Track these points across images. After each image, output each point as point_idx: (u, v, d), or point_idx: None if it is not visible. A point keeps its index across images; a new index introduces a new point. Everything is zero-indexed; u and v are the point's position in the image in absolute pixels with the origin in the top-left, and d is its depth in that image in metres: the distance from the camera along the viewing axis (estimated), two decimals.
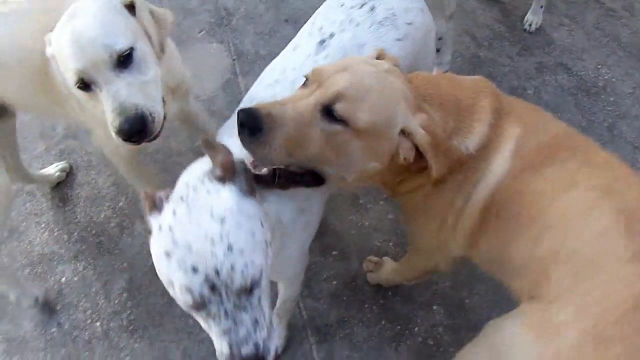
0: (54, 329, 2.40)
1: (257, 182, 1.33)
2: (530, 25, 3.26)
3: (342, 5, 1.80)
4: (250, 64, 3.17)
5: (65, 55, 1.61)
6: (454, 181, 1.45)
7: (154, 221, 1.21)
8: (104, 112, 1.64)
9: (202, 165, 1.27)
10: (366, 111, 1.31)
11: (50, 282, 2.52)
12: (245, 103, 1.62)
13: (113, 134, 1.63)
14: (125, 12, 1.69)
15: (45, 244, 2.64)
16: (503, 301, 2.24)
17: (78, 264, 2.55)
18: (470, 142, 1.45)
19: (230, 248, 1.12)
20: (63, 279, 2.52)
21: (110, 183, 2.77)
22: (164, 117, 1.72)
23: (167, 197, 1.23)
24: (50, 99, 1.94)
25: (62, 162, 2.83)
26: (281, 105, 1.32)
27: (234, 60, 3.22)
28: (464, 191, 1.47)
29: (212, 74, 3.10)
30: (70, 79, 1.64)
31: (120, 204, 2.70)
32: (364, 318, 2.28)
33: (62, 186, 2.80)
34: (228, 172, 1.21)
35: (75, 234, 2.64)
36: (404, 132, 1.35)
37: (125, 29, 1.64)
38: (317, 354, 2.21)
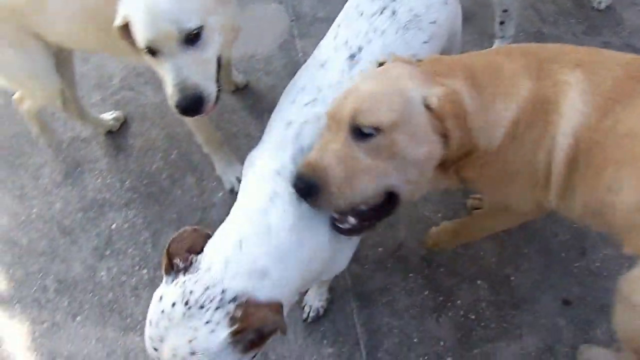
0: (102, 273, 2.47)
1: (348, 234, 1.49)
2: (600, 2, 3.13)
3: (361, 14, 1.74)
4: (308, 26, 3.15)
5: (137, 21, 1.65)
6: (529, 140, 1.41)
7: (164, 281, 1.33)
8: (165, 82, 1.72)
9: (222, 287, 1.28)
10: (383, 107, 1.35)
11: (102, 227, 2.59)
12: (288, 129, 1.56)
13: (170, 104, 1.72)
14: None
15: (98, 190, 2.71)
16: (548, 281, 2.21)
17: (129, 212, 2.61)
18: (515, 101, 1.41)
19: None
20: (113, 226, 2.59)
21: (164, 135, 2.81)
22: (219, 89, 1.80)
23: (184, 269, 1.31)
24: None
25: (117, 111, 2.88)
26: (318, 156, 1.38)
27: (292, 21, 3.20)
28: (543, 147, 1.42)
29: (269, 34, 3.09)
30: (140, 42, 1.68)
31: (172, 156, 2.74)
32: (407, 287, 2.27)
33: (116, 136, 2.86)
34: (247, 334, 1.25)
35: (127, 182, 2.70)
36: (427, 107, 1.36)
37: (199, 5, 1.66)
38: (357, 318, 2.22)
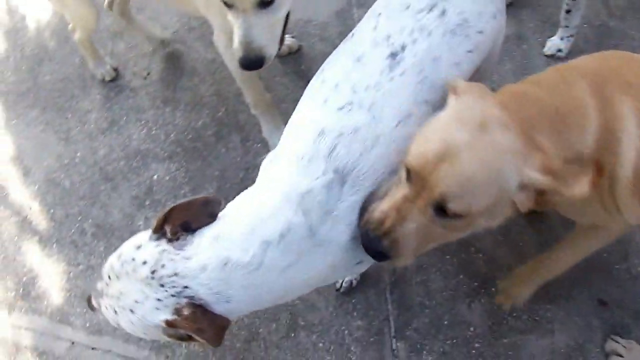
0: (140, 223, 2.51)
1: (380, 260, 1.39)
2: None
3: (407, 8, 1.55)
4: None
5: None
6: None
7: (150, 234, 1.36)
8: (234, 33, 1.74)
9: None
10: (478, 199, 1.22)
11: (143, 178, 2.61)
12: (321, 141, 1.39)
13: (235, 57, 1.79)
14: None
15: (142, 140, 2.73)
16: (586, 279, 2.17)
17: (171, 165, 2.62)
18: (588, 140, 1.33)
19: None
20: (155, 177, 2.61)
21: (212, 92, 2.81)
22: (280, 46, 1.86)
23: (168, 240, 1.33)
24: None
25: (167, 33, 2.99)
26: (397, 221, 1.28)
27: None
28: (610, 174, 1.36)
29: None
30: None
31: (220, 114, 2.74)
32: (443, 268, 2.25)
33: (164, 88, 2.87)
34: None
35: (172, 135, 2.71)
36: (522, 186, 1.24)
37: None
38: (390, 294, 2.21)
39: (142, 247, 1.33)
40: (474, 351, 2.10)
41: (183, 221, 1.33)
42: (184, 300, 1.28)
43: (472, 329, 2.13)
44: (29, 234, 2.59)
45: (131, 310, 1.31)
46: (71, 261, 2.48)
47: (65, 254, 2.50)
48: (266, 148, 2.56)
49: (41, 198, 2.68)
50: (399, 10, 1.55)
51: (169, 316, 1.28)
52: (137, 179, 2.62)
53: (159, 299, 1.29)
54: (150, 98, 2.84)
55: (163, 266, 1.29)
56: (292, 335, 2.16)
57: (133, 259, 1.31)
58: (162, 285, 1.28)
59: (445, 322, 2.15)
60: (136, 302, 1.30)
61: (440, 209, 1.24)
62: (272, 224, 1.32)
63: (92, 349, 2.27)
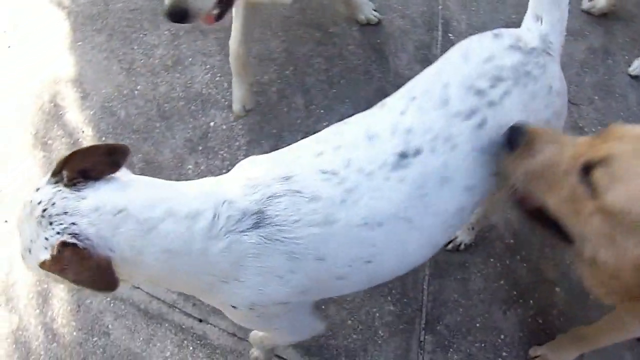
0: (189, 167, 2.50)
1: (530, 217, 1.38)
2: None
3: (444, 105, 1.33)
4: None
5: None
6: None
7: (47, 176, 1.29)
8: None
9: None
10: (621, 192, 1.12)
11: (200, 122, 2.60)
12: (286, 178, 1.33)
13: None
14: None
15: (205, 85, 2.71)
16: None
17: (230, 115, 2.60)
18: None
19: None
20: (212, 124, 2.59)
21: (283, 49, 2.77)
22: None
23: (63, 183, 1.26)
24: None
25: None
26: (556, 137, 1.27)
27: None
28: None
29: None
30: None
31: (287, 72, 2.70)
32: (485, 270, 2.22)
33: None
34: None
35: None
36: None
37: None
38: (427, 285, 2.18)
39: (40, 189, 1.27)
40: (499, 359, 2.07)
41: (82, 168, 1.26)
42: (66, 238, 1.21)
43: (502, 336, 2.10)
44: None
45: (29, 251, 1.26)
46: None
47: None
48: (329, 115, 2.52)
49: (95, 124, 2.68)
50: (435, 104, 1.35)
51: (48, 256, 1.21)
52: (194, 123, 2.60)
53: (46, 238, 1.22)
54: (219, 44, 2.81)
55: (54, 204, 1.23)
56: (322, 307, 2.14)
57: (31, 201, 1.26)
58: (50, 224, 1.22)
59: (477, 325, 2.12)
60: (31, 241, 1.25)
61: (587, 170, 1.18)
62: (185, 202, 1.29)
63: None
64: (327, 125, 1.47)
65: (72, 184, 1.25)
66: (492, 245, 2.26)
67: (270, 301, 1.37)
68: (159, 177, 2.30)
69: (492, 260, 2.23)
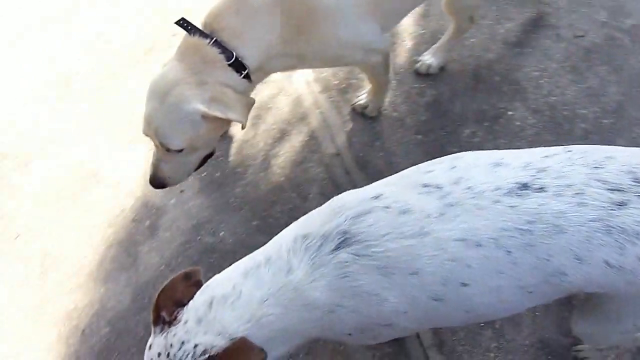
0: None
1: None
2: None
3: (597, 169, 1.24)
4: None
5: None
6: None
7: (152, 332, 1.37)
8: None
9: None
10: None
11: None
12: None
13: None
14: None
15: None
16: None
17: None
18: None
19: None
20: None
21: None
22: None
23: (169, 323, 1.35)
24: None
25: None
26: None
27: None
28: None
29: None
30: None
31: None
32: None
33: None
34: None
35: None
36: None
37: (185, 136, 1.93)
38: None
39: (152, 346, 1.36)
40: None
41: (174, 302, 1.37)
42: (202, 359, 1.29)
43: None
44: None
45: None
46: None
47: None
48: None
49: None
50: (586, 162, 1.27)
51: None
52: None
53: None
54: None
55: (171, 345, 1.31)
56: None
57: (151, 359, 1.35)
58: None
59: None
60: None
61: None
62: (255, 259, 1.39)
63: None
64: None
65: (173, 319, 1.34)
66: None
67: (374, 323, 1.38)
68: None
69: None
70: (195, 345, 1.29)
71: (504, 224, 1.23)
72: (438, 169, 1.36)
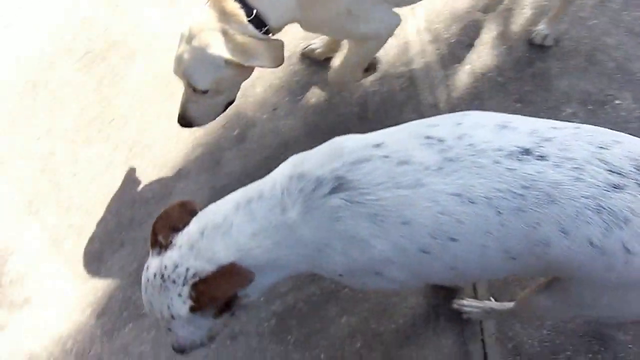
0: None
1: None
2: None
3: (601, 149, 1.24)
4: None
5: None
6: None
7: (150, 254, 1.48)
8: None
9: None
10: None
11: None
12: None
13: None
14: None
15: None
16: None
17: None
18: None
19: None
20: None
21: None
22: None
23: (165, 246, 1.44)
24: None
25: None
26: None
27: None
28: None
29: None
30: None
31: None
32: None
33: None
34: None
35: None
36: None
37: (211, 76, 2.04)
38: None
39: (149, 267, 1.45)
40: None
41: (171, 227, 1.47)
42: (191, 282, 1.38)
43: None
44: None
45: (172, 317, 1.41)
46: None
47: None
48: None
49: None
50: (593, 141, 1.26)
51: (190, 303, 1.38)
52: None
53: (179, 294, 1.38)
54: None
55: (166, 267, 1.40)
56: None
57: (147, 280, 1.44)
58: (174, 282, 1.39)
59: None
60: (168, 308, 1.40)
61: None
62: (250, 193, 1.44)
63: None
64: None
65: (169, 243, 1.44)
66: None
67: (363, 269, 1.41)
68: None
69: None
70: (187, 269, 1.38)
71: (499, 185, 1.24)
72: (443, 124, 1.37)
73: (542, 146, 1.24)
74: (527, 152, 1.24)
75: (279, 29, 2.08)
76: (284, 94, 2.78)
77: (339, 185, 1.31)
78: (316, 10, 2.05)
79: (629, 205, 1.18)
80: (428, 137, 1.32)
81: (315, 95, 2.75)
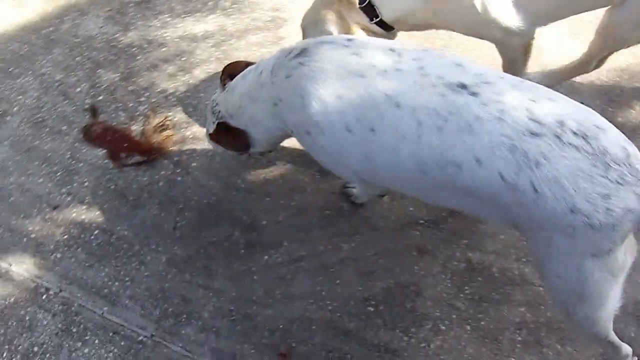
0: None
1: None
2: None
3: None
4: None
5: None
6: None
7: (219, 87, 2.11)
8: None
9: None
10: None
11: None
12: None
13: None
14: None
15: None
16: None
17: None
18: None
19: None
20: None
21: None
22: None
23: (223, 87, 2.02)
24: None
25: None
26: None
27: None
28: None
29: None
30: None
31: None
32: None
33: None
34: None
35: None
36: None
37: None
38: None
39: (214, 99, 2.02)
40: None
41: (230, 75, 1.96)
42: (218, 114, 1.95)
43: None
44: None
45: (208, 130, 2.10)
46: None
47: None
48: None
49: None
50: (529, 88, 1.42)
51: (215, 124, 1.98)
52: None
53: (213, 122, 1.99)
54: None
55: (214, 101, 2.00)
56: None
57: (212, 99, 2.05)
58: (213, 113, 1.98)
59: None
60: (208, 123, 2.10)
61: None
62: (256, 65, 1.87)
63: None
64: None
65: (224, 84, 1.98)
66: None
67: (300, 124, 1.66)
68: None
69: None
70: (219, 111, 1.96)
71: (427, 104, 1.40)
72: (412, 48, 1.56)
73: (479, 87, 1.38)
74: (463, 86, 1.38)
75: (397, 22, 2.04)
76: None
77: (302, 52, 1.61)
78: (441, 5, 1.95)
79: (542, 151, 1.28)
80: (392, 50, 1.54)
81: None
